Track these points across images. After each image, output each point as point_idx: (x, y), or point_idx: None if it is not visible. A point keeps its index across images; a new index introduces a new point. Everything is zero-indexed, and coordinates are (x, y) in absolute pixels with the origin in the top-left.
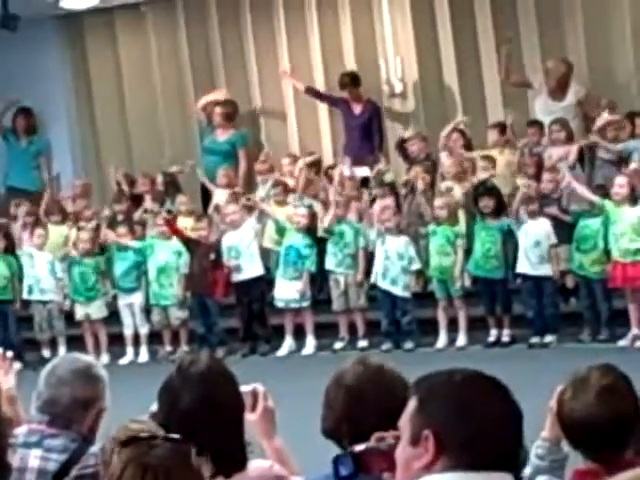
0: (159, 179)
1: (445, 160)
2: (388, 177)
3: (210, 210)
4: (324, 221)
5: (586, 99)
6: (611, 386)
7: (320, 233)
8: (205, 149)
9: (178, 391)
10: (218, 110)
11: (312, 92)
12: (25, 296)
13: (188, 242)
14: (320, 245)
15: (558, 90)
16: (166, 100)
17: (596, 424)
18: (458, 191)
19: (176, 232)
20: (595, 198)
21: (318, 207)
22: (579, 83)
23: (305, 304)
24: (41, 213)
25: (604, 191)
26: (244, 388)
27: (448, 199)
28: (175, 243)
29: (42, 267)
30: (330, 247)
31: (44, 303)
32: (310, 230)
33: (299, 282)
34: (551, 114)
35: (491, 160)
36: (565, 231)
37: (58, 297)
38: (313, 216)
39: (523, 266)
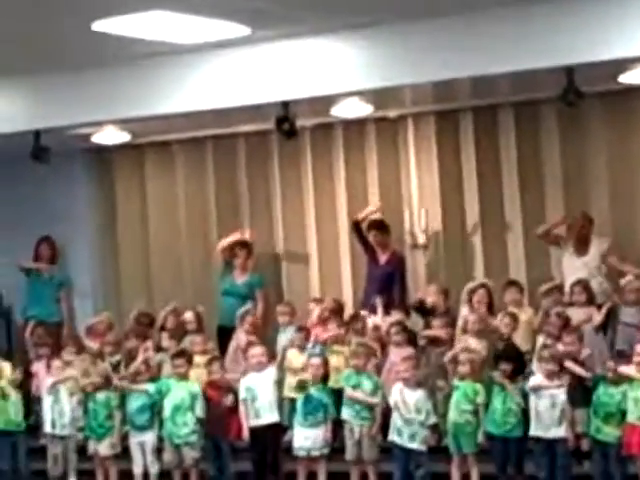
0: (188, 316)
1: (468, 315)
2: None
3: (230, 351)
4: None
5: (609, 251)
6: None
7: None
8: (224, 291)
9: None
10: (243, 253)
11: (357, 229)
12: (48, 430)
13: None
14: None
15: (580, 245)
16: (190, 240)
17: None
18: (479, 347)
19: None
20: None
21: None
22: (601, 236)
23: (325, 451)
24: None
25: (625, 356)
26: None
27: (472, 355)
28: (191, 384)
29: (65, 401)
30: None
31: (62, 437)
32: (324, 378)
33: (319, 429)
34: (575, 270)
35: (513, 317)
36: (583, 394)
37: (74, 431)
38: (326, 364)
39: (536, 429)
